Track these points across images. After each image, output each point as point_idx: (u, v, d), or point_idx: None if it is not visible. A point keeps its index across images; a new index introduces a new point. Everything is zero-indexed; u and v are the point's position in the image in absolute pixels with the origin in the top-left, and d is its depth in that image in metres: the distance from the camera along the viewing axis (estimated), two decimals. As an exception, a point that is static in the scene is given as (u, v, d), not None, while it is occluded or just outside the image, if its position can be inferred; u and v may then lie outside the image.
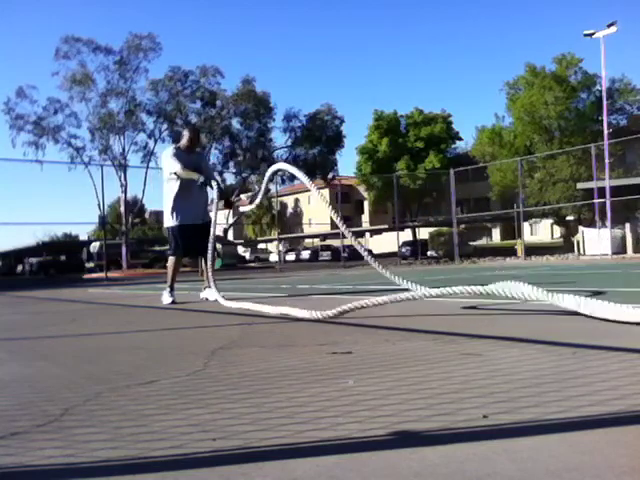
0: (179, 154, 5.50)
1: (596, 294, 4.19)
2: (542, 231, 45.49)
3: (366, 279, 9.13)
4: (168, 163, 5.48)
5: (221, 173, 30.80)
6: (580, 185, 23.90)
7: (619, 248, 18.46)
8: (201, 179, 5.29)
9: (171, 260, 5.60)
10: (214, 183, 5.42)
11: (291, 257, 43.53)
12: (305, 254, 43.84)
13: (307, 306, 4.38)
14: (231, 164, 33.14)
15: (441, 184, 39.81)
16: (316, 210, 56.38)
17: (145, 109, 30.79)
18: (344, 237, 26.23)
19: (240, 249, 45.11)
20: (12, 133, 29.36)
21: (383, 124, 42.80)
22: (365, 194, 47.96)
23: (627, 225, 19.38)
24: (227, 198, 6.26)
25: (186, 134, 5.69)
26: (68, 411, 1.53)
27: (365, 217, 55.48)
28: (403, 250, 29.95)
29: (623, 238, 19.11)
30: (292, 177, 35.49)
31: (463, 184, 39.12)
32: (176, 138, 29.73)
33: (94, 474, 1.10)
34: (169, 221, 5.55)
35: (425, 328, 2.87)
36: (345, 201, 52.01)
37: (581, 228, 21.59)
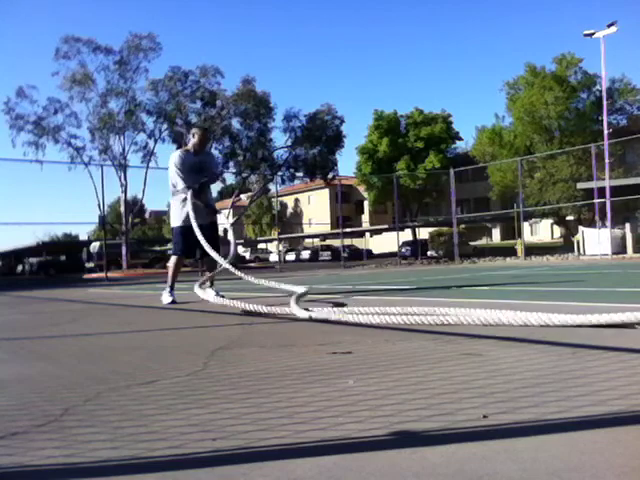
0: (185, 160, 5.47)
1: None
2: (542, 231, 45.49)
3: (366, 279, 9.13)
4: (173, 175, 5.47)
5: (221, 173, 30.75)
6: (580, 185, 23.90)
7: (619, 248, 18.45)
8: (190, 209, 5.25)
9: (173, 259, 5.62)
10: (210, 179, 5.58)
11: (291, 257, 43.54)
12: (305, 254, 43.85)
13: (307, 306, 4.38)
14: (231, 164, 33.12)
15: (441, 184, 39.83)
16: (316, 210, 56.39)
17: (145, 109, 30.75)
18: (344, 237, 26.27)
19: (240, 249, 45.09)
20: (12, 133, 29.31)
21: (383, 124, 42.78)
22: (365, 194, 47.94)
23: (627, 225, 19.37)
24: (213, 210, 5.80)
25: (196, 135, 5.63)
26: (68, 411, 1.53)
27: (365, 217, 55.47)
28: (403, 250, 29.92)
29: (623, 238, 19.09)
30: (292, 177, 35.51)
31: (463, 184, 39.17)
32: (178, 138, 29.76)
33: (94, 474, 1.10)
34: (174, 221, 5.57)
35: (425, 328, 2.87)
36: (345, 201, 52.00)
37: (581, 228, 21.57)
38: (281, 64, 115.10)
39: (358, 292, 5.85)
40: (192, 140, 5.62)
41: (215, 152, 32.57)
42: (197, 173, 5.51)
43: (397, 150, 42.12)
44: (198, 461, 1.13)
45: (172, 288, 5.42)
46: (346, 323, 3.23)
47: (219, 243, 5.81)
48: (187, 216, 5.47)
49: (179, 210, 5.52)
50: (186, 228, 5.45)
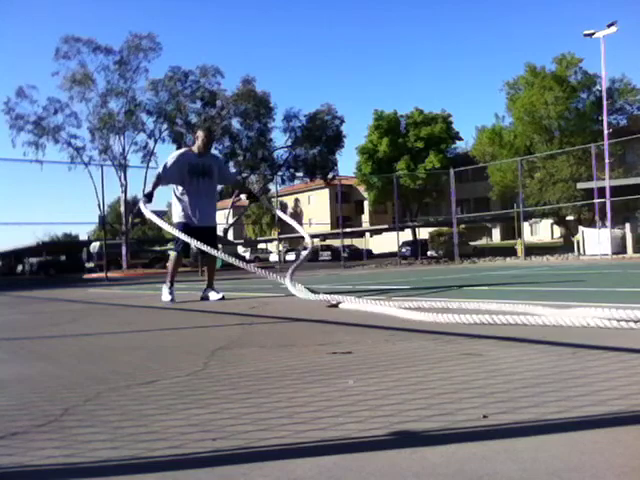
0: (183, 161, 5.46)
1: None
2: (542, 231, 45.49)
3: (366, 279, 9.13)
4: (173, 173, 5.48)
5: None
6: (580, 185, 23.90)
7: (619, 248, 18.44)
8: (142, 201, 5.69)
9: (173, 255, 5.61)
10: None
11: (291, 257, 43.51)
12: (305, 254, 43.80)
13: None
14: (231, 164, 33.13)
15: (441, 184, 39.83)
16: (316, 210, 56.38)
17: (145, 109, 30.76)
18: (344, 237, 26.28)
19: (240, 249, 45.10)
20: (12, 133, 29.33)
21: (383, 124, 42.77)
22: (365, 194, 47.93)
23: (627, 225, 19.37)
24: (249, 192, 6.78)
25: (200, 136, 5.61)
26: (68, 411, 1.53)
27: (365, 217, 55.46)
28: (403, 250, 29.91)
29: (623, 238, 19.09)
30: (292, 177, 35.53)
31: (463, 184, 39.17)
32: (178, 138, 29.74)
33: (94, 474, 1.10)
34: (176, 218, 5.57)
35: (425, 328, 2.86)
36: (345, 201, 51.99)
37: (581, 228, 21.56)
38: (281, 64, 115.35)
39: (359, 292, 5.84)
40: (197, 142, 5.60)
41: (215, 152, 32.57)
42: (200, 176, 5.49)
43: (397, 150, 42.11)
44: (198, 461, 1.13)
45: (172, 285, 5.42)
46: (347, 323, 3.23)
47: (217, 245, 5.80)
48: (188, 215, 5.47)
49: (180, 208, 5.52)
50: (185, 225, 5.46)
